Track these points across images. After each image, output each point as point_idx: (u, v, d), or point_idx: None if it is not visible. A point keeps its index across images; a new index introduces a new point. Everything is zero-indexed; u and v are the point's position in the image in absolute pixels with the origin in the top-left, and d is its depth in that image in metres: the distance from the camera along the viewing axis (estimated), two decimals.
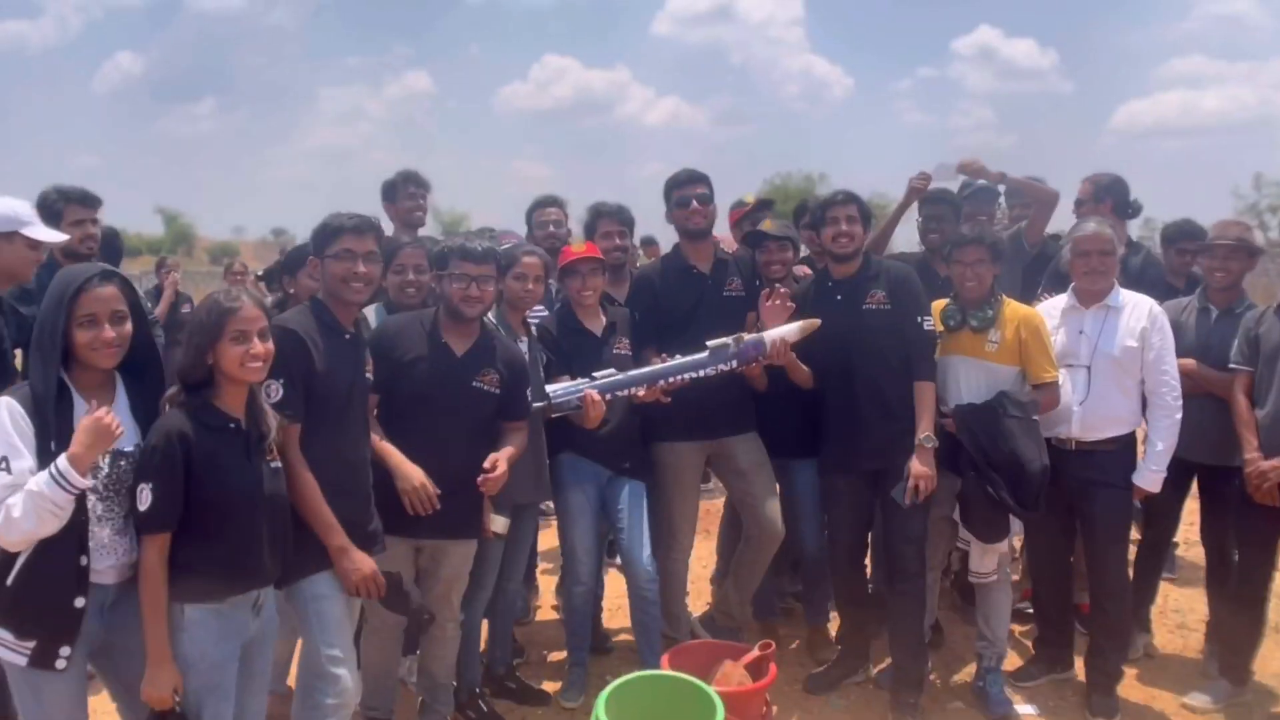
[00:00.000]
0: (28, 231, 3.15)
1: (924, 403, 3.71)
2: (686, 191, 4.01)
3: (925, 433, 3.66)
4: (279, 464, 2.68)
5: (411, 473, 3.13)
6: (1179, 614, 4.90)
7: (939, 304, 3.89)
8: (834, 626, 4.37)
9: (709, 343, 3.67)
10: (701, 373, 3.66)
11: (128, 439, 2.47)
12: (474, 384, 3.32)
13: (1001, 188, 5.08)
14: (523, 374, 3.46)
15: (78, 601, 2.37)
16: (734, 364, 3.68)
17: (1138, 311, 3.77)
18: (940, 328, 3.84)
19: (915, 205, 4.70)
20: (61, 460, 2.26)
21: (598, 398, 3.55)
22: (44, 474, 2.26)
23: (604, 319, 3.95)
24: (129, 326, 2.48)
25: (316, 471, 2.81)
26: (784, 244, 4.14)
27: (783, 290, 3.91)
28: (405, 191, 4.82)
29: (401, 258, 3.72)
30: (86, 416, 2.32)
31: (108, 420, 2.31)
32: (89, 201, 3.92)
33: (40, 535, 2.30)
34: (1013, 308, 3.82)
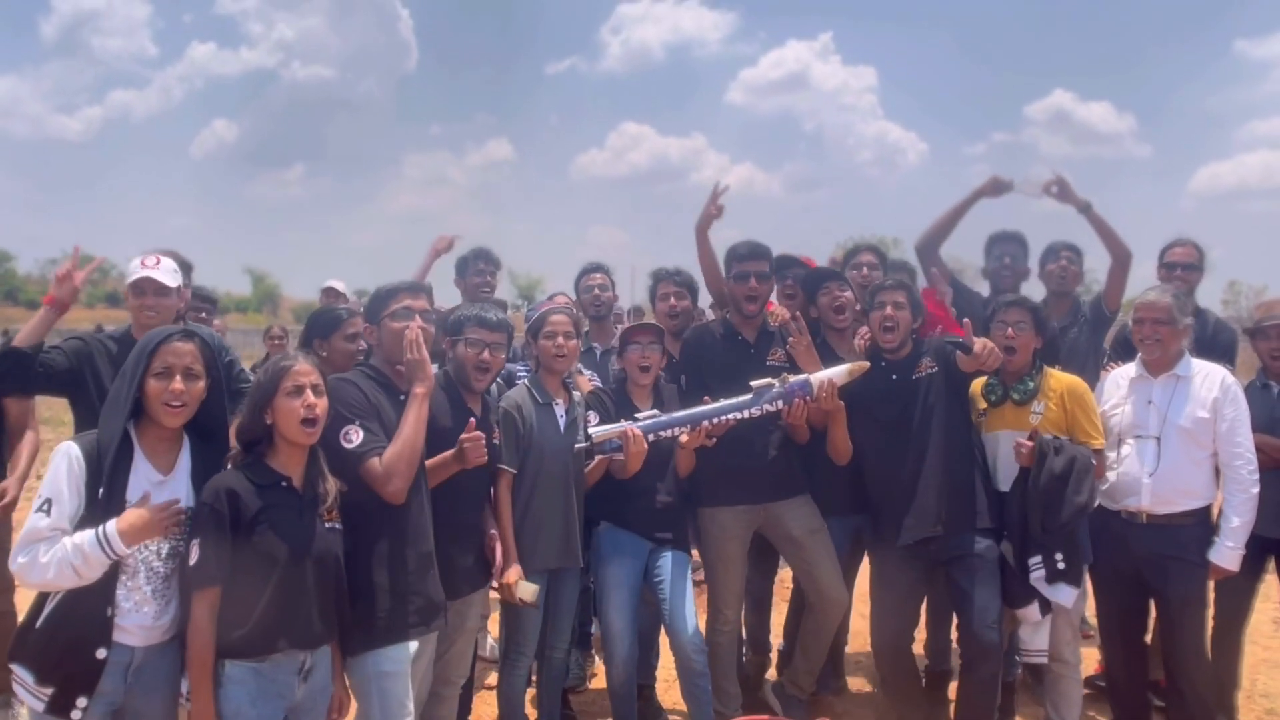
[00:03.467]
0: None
1: None
2: (747, 267, 3.97)
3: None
4: (336, 526, 2.68)
5: None
6: (1267, 699, 4.60)
7: (979, 382, 3.84)
8: None
9: (753, 383, 3.61)
10: (746, 413, 3.60)
11: (186, 501, 2.52)
12: (494, 441, 3.36)
13: None
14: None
15: (99, 652, 2.41)
16: (779, 404, 3.61)
17: (1209, 381, 3.64)
18: (983, 405, 3.80)
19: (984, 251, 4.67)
20: (111, 526, 2.35)
21: (638, 432, 3.51)
22: (90, 534, 2.34)
23: (652, 400, 3.91)
24: (201, 386, 2.54)
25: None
26: (843, 283, 4.16)
27: (802, 338, 3.85)
28: (474, 267, 4.97)
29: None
30: (148, 507, 2.41)
31: (161, 516, 2.42)
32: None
33: (56, 587, 2.38)
34: (1056, 377, 3.77)
